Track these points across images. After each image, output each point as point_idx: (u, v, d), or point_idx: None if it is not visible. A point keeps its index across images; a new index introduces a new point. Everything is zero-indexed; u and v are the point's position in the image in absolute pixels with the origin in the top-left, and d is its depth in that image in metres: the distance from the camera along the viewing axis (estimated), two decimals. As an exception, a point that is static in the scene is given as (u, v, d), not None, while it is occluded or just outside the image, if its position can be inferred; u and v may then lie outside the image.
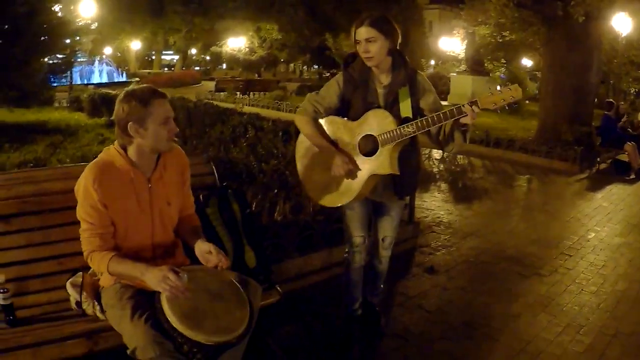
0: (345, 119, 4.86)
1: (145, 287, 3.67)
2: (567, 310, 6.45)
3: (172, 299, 3.46)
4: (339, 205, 4.97)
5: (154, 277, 3.49)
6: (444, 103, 5.14)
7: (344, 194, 4.85)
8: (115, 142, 3.91)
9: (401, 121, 4.66)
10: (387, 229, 5.32)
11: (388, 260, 5.53)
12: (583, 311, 6.45)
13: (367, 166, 4.74)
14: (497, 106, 4.39)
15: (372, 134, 4.69)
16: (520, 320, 6.14)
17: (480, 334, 5.80)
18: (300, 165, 5.13)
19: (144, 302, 3.62)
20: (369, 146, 4.73)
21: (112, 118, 3.93)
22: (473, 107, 4.35)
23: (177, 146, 4.14)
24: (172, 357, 3.36)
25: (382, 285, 5.76)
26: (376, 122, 4.69)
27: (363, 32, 4.62)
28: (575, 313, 6.39)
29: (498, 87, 4.50)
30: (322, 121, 4.91)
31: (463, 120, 4.42)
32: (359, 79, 4.80)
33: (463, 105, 4.39)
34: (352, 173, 4.73)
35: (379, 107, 4.77)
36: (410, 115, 4.72)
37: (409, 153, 4.86)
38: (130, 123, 3.70)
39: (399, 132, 4.58)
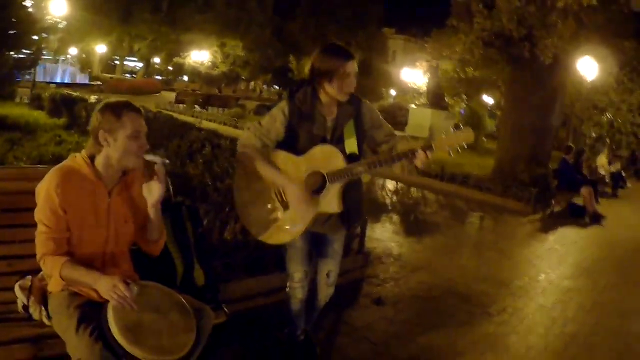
0: (290, 154, 4.70)
1: (93, 298, 3.68)
2: (514, 351, 6.38)
3: (118, 310, 3.46)
4: (283, 242, 4.90)
5: (104, 285, 3.54)
6: (400, 133, 5.11)
7: (288, 232, 4.73)
8: (83, 151, 3.93)
9: (347, 157, 4.61)
10: (332, 263, 5.21)
11: (329, 297, 5.41)
12: (530, 353, 6.39)
13: (314, 203, 4.60)
14: (450, 150, 4.46)
15: (321, 171, 4.59)
16: (465, 358, 6.06)
17: None
18: (239, 199, 4.92)
19: (91, 313, 3.58)
20: (317, 183, 4.62)
21: (88, 128, 3.91)
22: (427, 152, 4.41)
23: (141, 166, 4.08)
24: None
25: (316, 316, 5.66)
26: (324, 159, 4.61)
27: (354, 66, 4.59)
28: (521, 354, 6.33)
29: (452, 129, 4.63)
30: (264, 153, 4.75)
31: (414, 162, 4.46)
32: (306, 110, 4.67)
33: (417, 151, 4.44)
34: (308, 205, 4.59)
35: (325, 139, 4.69)
36: (356, 151, 4.70)
37: (353, 184, 4.76)
38: (101, 131, 3.76)
39: (349, 172, 4.54)
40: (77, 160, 3.89)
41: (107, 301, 3.53)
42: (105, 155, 3.83)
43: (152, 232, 4.10)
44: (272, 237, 4.80)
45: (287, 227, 4.68)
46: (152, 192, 3.93)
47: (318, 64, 4.59)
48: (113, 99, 3.94)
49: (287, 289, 5.24)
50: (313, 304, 5.42)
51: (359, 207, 5.02)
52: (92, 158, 3.87)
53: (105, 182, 3.90)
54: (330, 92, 4.59)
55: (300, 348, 5.52)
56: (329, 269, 5.20)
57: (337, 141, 4.69)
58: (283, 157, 4.68)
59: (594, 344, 6.91)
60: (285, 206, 4.63)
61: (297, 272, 5.08)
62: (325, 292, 5.33)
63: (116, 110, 3.78)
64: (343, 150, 4.63)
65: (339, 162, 4.55)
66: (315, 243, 5.10)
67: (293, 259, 5.05)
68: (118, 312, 3.45)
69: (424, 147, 4.41)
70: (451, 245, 11.21)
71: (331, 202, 4.60)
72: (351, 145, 4.69)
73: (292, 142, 4.70)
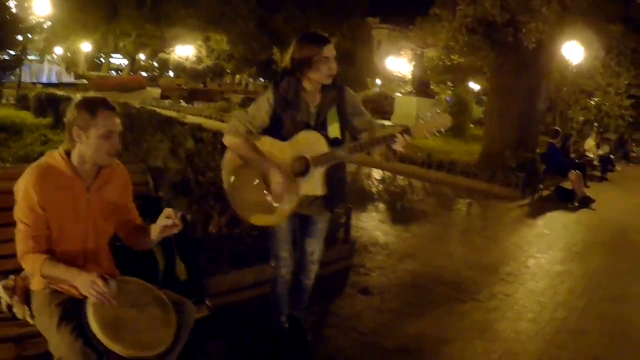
0: (276, 139, 4.84)
1: (74, 296, 3.67)
2: (504, 337, 6.33)
3: (97, 306, 3.48)
4: (270, 224, 5.04)
5: (83, 282, 3.53)
6: (387, 123, 5.17)
7: (276, 214, 4.86)
8: (61, 147, 3.94)
9: (330, 142, 4.77)
10: (315, 242, 5.34)
11: (315, 274, 5.51)
12: (520, 338, 6.34)
13: (299, 187, 4.78)
14: (428, 135, 4.65)
15: (305, 155, 4.75)
16: (455, 346, 6.00)
17: (414, 358, 5.70)
18: (228, 185, 5.04)
19: (72, 310, 3.59)
20: (301, 167, 4.79)
21: (64, 120, 3.90)
22: (405, 136, 4.58)
23: (119, 163, 4.18)
24: None
25: (306, 300, 5.68)
26: (308, 144, 4.77)
27: (332, 49, 4.76)
28: (512, 340, 6.27)
29: (429, 115, 4.75)
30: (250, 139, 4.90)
31: (394, 146, 4.64)
32: (290, 99, 4.82)
33: (396, 135, 4.60)
34: (289, 191, 4.73)
35: (309, 126, 4.84)
36: (339, 136, 4.91)
37: (336, 168, 4.91)
38: (75, 127, 3.76)
39: (332, 156, 4.71)
40: (54, 156, 3.88)
41: (87, 298, 3.52)
42: (79, 152, 3.83)
43: (146, 243, 4.09)
44: (260, 219, 5.00)
45: (274, 209, 4.80)
46: (165, 232, 3.89)
47: (297, 54, 4.76)
48: (90, 95, 3.93)
49: (273, 269, 5.34)
50: (300, 285, 5.51)
51: (342, 190, 5.16)
52: (69, 153, 3.88)
53: (83, 178, 3.89)
54: (314, 78, 4.75)
55: (288, 336, 5.54)
56: (313, 247, 5.33)
57: (321, 127, 4.84)
58: (269, 143, 4.81)
59: (585, 328, 6.85)
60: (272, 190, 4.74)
61: (283, 251, 5.18)
62: (310, 270, 5.43)
63: (91, 107, 3.76)
64: (326, 136, 4.78)
65: (322, 147, 4.70)
66: (300, 224, 5.25)
67: (279, 239, 5.15)
68: (97, 309, 3.46)
69: (403, 132, 4.56)
70: (438, 232, 11.16)
71: (315, 185, 4.75)
72: (334, 130, 4.87)
73: (278, 129, 4.83)
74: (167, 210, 3.81)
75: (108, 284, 3.49)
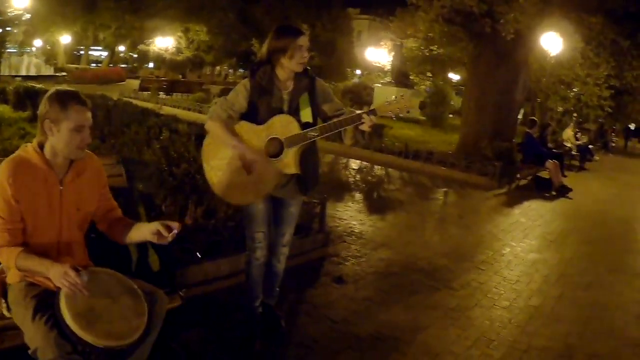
0: (252, 124, 5.08)
1: (50, 288, 3.70)
2: (478, 325, 6.38)
3: (69, 297, 3.49)
4: (248, 203, 5.25)
5: (56, 273, 3.54)
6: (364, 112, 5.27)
7: (252, 193, 5.09)
8: (34, 140, 3.97)
9: (302, 126, 5.01)
10: (287, 225, 5.54)
11: (285, 258, 5.68)
12: (494, 325, 6.39)
13: (273, 167, 4.99)
14: (393, 114, 4.98)
15: (278, 137, 4.99)
16: (429, 333, 6.02)
17: (387, 346, 5.70)
18: (208, 167, 5.26)
19: (47, 302, 3.62)
20: (275, 148, 5.00)
21: (38, 112, 3.93)
22: (371, 116, 4.82)
23: (92, 154, 4.23)
24: (71, 359, 3.40)
25: (277, 288, 5.79)
26: (281, 127, 5.01)
27: (306, 40, 5.06)
28: (485, 327, 6.32)
29: (394, 97, 5.07)
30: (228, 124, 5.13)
31: (361, 127, 4.89)
32: (265, 86, 5.09)
33: (362, 116, 4.84)
34: (267, 168, 4.96)
35: (282, 111, 5.09)
36: (311, 120, 5.14)
37: (309, 152, 5.16)
38: (47, 120, 3.80)
39: (303, 136, 4.94)
40: (27, 150, 3.92)
41: (60, 289, 3.54)
42: (51, 144, 3.87)
43: (124, 239, 4.15)
44: (238, 198, 5.26)
45: (251, 188, 5.04)
46: (149, 238, 3.95)
47: (274, 43, 5.04)
48: (63, 87, 3.96)
49: (247, 252, 5.50)
50: (271, 269, 5.63)
51: (315, 173, 5.40)
52: (42, 146, 3.92)
53: (56, 171, 3.93)
54: (287, 65, 5.03)
55: (262, 323, 5.64)
56: (285, 230, 5.54)
57: (294, 112, 5.09)
58: (246, 127, 5.07)
59: (559, 315, 6.92)
60: (249, 170, 4.98)
61: (258, 233, 5.35)
62: (281, 252, 5.61)
63: (63, 100, 3.80)
64: (299, 120, 5.02)
65: (295, 129, 4.95)
66: (273, 207, 5.43)
67: (254, 220, 5.34)
68: (69, 299, 3.48)
69: (369, 112, 4.82)
70: (414, 221, 11.16)
71: (289, 164, 4.97)
72: (306, 115, 5.12)
73: (254, 114, 5.10)
74: (170, 224, 3.88)
75: (80, 275, 3.49)
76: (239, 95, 5.10)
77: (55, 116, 3.76)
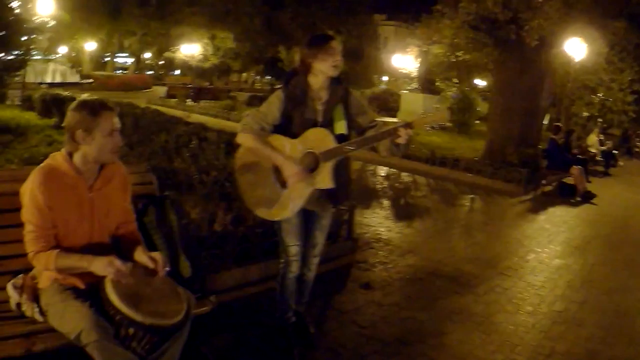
0: (286, 137, 5.00)
1: (80, 287, 3.89)
2: (502, 330, 6.45)
3: (115, 282, 3.70)
4: (282, 218, 5.13)
5: (100, 264, 3.75)
6: (393, 120, 5.36)
7: (286, 207, 5.01)
8: (63, 149, 4.07)
9: (337, 138, 4.93)
10: (319, 236, 5.50)
11: (316, 268, 5.65)
12: (518, 330, 6.46)
13: (309, 181, 4.92)
14: (428, 127, 4.75)
15: (313, 151, 4.90)
16: (454, 338, 6.12)
17: (413, 350, 5.78)
18: (241, 180, 5.24)
19: (84, 293, 3.82)
20: (310, 163, 4.93)
21: (63, 124, 4.06)
22: (407, 129, 4.75)
23: (120, 164, 4.35)
24: (113, 343, 3.56)
25: (308, 294, 5.81)
26: (316, 140, 4.92)
27: (339, 44, 5.01)
28: (509, 332, 6.40)
29: (428, 109, 4.88)
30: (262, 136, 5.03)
31: (397, 140, 4.79)
32: (298, 96, 5.01)
33: (398, 129, 4.77)
34: (304, 182, 4.89)
35: (316, 123, 5.02)
36: (345, 132, 5.06)
37: (341, 164, 5.06)
38: (79, 131, 3.90)
39: (340, 150, 4.87)
40: (57, 158, 4.03)
41: (99, 283, 3.74)
42: (83, 153, 3.99)
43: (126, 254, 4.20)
44: (272, 214, 5.13)
45: (286, 203, 4.98)
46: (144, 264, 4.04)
47: (306, 50, 5.00)
48: (88, 97, 4.08)
49: (282, 265, 5.45)
50: (301, 277, 5.59)
51: (346, 185, 5.33)
52: (70, 155, 4.03)
53: (86, 177, 4.06)
54: (322, 70, 4.96)
55: (293, 330, 5.63)
56: (317, 241, 5.51)
57: (328, 124, 5.02)
58: (280, 140, 4.99)
59: (582, 320, 6.97)
60: (284, 185, 4.93)
61: (293, 246, 5.30)
62: (312, 262, 5.58)
63: (92, 109, 3.91)
64: (333, 132, 4.95)
65: (330, 142, 4.87)
66: (305, 219, 5.36)
67: (290, 234, 5.27)
68: (115, 284, 3.69)
69: (404, 125, 4.74)
70: (440, 228, 11.23)
71: (324, 179, 4.90)
72: (340, 127, 5.04)
73: (287, 126, 5.03)
74: (158, 256, 4.03)
75: (125, 263, 3.73)
76: (272, 107, 5.02)
77: (87, 125, 3.88)
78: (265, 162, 5.02)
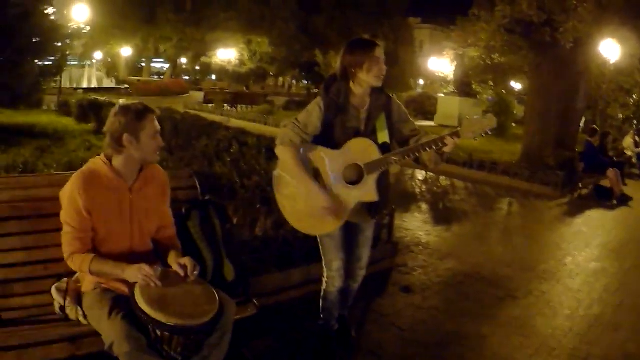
0: (328, 149, 4.88)
1: (124, 293, 3.94)
2: (540, 333, 6.50)
3: (143, 287, 3.79)
4: (324, 233, 5.07)
5: (131, 271, 3.86)
6: (430, 123, 5.35)
7: (329, 223, 4.89)
8: (102, 153, 4.21)
9: (379, 147, 4.82)
10: (364, 249, 5.41)
11: (362, 279, 5.58)
12: (555, 334, 6.50)
13: (353, 194, 4.83)
14: (475, 136, 4.62)
15: (357, 162, 4.79)
16: (493, 341, 6.19)
17: (452, 353, 5.87)
18: (280, 196, 5.14)
19: (121, 302, 3.85)
20: (353, 174, 4.84)
21: (105, 130, 4.15)
22: (454, 138, 4.58)
23: (159, 167, 4.49)
24: (145, 352, 3.60)
25: (352, 300, 5.79)
26: (360, 151, 4.80)
27: (382, 52, 4.83)
28: (547, 336, 6.44)
29: (475, 116, 4.77)
30: (302, 149, 4.90)
31: (444, 149, 4.65)
32: (340, 104, 4.86)
33: (445, 138, 4.59)
34: (335, 214, 4.79)
35: (359, 131, 4.89)
36: (388, 142, 4.92)
37: (382, 173, 4.91)
38: (126, 135, 4.04)
39: (385, 161, 4.75)
40: (96, 162, 4.19)
41: (136, 284, 3.84)
42: (127, 156, 4.13)
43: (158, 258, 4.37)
44: (314, 229, 5.07)
45: (328, 218, 4.82)
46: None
47: (348, 57, 4.83)
48: (126, 101, 4.24)
49: (325, 279, 5.35)
50: (347, 288, 5.50)
51: (386, 196, 5.16)
52: (109, 158, 4.17)
53: (126, 180, 4.19)
54: (365, 79, 4.81)
55: (336, 336, 5.65)
56: (362, 254, 5.41)
57: (370, 133, 4.90)
58: (322, 154, 4.86)
59: (618, 323, 6.99)
60: None
61: (335, 261, 5.19)
62: (358, 275, 5.49)
63: (137, 113, 4.07)
64: (376, 141, 4.84)
65: (374, 153, 4.77)
66: (348, 232, 5.23)
67: (331, 249, 5.16)
68: (144, 289, 3.78)
69: (452, 134, 4.60)
70: (479, 231, 11.30)
71: (369, 191, 4.80)
72: (383, 136, 4.90)
73: (328, 136, 4.89)
74: (186, 261, 4.07)
75: (154, 269, 3.84)
76: (312, 115, 4.83)
77: (133, 129, 4.03)
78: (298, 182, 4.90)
